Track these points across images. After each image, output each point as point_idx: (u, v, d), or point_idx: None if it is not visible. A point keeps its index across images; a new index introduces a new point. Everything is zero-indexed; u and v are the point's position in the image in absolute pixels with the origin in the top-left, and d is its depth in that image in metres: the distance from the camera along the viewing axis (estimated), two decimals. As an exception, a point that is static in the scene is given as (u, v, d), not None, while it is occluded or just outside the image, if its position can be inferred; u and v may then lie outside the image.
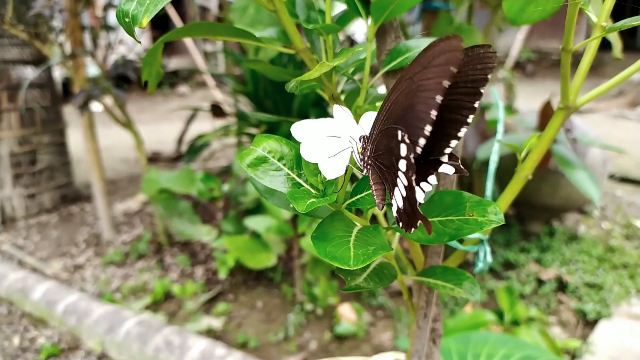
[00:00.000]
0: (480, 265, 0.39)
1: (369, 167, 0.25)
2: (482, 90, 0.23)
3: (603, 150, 1.53)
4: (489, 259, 0.38)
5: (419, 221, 0.23)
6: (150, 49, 0.35)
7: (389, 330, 1.18)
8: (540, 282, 1.35)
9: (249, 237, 1.28)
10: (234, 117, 1.84)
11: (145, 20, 0.24)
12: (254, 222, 1.22)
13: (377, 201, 0.25)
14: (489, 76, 0.23)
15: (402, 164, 0.22)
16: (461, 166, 0.24)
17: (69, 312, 1.21)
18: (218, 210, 1.42)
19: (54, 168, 1.98)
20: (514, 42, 3.81)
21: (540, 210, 1.54)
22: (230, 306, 1.29)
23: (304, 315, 1.23)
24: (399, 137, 0.22)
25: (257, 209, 1.33)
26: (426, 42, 0.38)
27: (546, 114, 1.34)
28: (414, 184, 0.22)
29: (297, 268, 1.28)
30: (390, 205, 0.37)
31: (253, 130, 1.77)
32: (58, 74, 2.78)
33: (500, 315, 1.05)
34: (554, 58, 6.10)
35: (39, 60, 1.88)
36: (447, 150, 0.25)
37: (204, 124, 2.45)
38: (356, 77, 0.40)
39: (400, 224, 0.24)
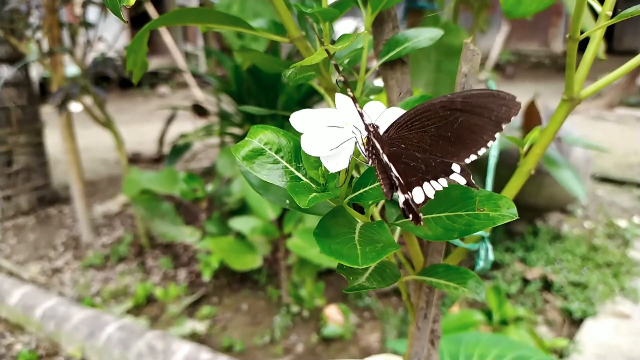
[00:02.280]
0: (481, 263, 0.37)
1: (374, 157, 0.24)
2: (503, 127, 0.25)
3: (585, 149, 1.54)
4: (491, 256, 0.37)
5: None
6: (136, 36, 0.33)
7: (377, 332, 1.16)
8: (525, 282, 1.35)
9: (234, 238, 1.26)
10: (217, 116, 1.81)
11: (133, -2, 0.22)
12: (239, 223, 1.20)
13: (384, 190, 0.23)
14: (511, 119, 0.25)
15: (385, 158, 0.24)
16: (472, 181, 0.23)
17: (47, 317, 1.17)
18: (201, 211, 1.39)
19: (31, 169, 1.93)
20: (493, 45, 3.85)
21: (524, 209, 1.54)
22: (215, 309, 1.26)
23: (290, 317, 1.21)
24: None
25: (242, 209, 1.31)
26: (424, 32, 0.36)
27: (531, 113, 1.34)
28: (398, 175, 0.23)
29: (283, 269, 1.26)
30: (388, 201, 0.36)
31: (236, 130, 1.75)
32: (35, 73, 2.71)
33: (488, 315, 1.04)
34: (533, 60, 6.18)
35: (15, 58, 1.83)
36: (467, 160, 0.26)
37: (185, 125, 2.42)
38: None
39: (410, 216, 0.23)
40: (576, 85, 0.33)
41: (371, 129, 0.24)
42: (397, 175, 0.23)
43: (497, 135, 0.26)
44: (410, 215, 0.23)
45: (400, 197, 0.23)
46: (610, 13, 0.32)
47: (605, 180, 2.21)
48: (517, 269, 1.40)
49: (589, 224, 1.72)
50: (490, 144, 0.26)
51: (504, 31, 3.85)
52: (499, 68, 5.60)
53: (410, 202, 0.23)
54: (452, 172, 0.23)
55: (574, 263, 1.43)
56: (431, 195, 0.22)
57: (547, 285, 1.34)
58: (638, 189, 2.08)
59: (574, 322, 1.20)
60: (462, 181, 0.23)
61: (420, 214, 0.23)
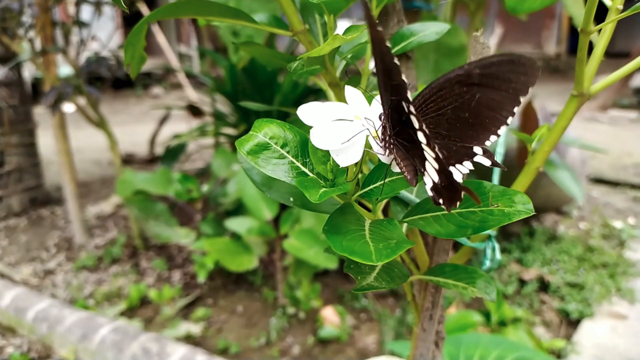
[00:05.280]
0: (487, 263, 0.37)
1: (391, 146, 0.23)
2: (521, 99, 0.24)
3: (581, 150, 1.54)
4: (498, 256, 0.36)
5: (462, 193, 0.21)
6: (134, 29, 0.32)
7: (374, 333, 1.16)
8: (522, 282, 1.35)
9: (229, 239, 1.25)
10: (211, 117, 1.80)
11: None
12: (235, 224, 1.18)
13: (408, 178, 0.22)
14: (529, 89, 0.24)
15: (421, 136, 0.21)
16: (497, 161, 0.22)
17: (39, 320, 1.16)
18: (196, 212, 1.38)
19: (23, 170, 1.90)
20: (488, 46, 3.86)
21: (520, 210, 1.53)
22: (210, 311, 1.25)
23: (286, 319, 1.20)
24: (406, 110, 0.21)
25: (238, 210, 1.30)
26: (430, 26, 0.36)
27: (528, 115, 1.34)
28: (439, 153, 0.20)
29: (279, 271, 1.24)
30: (394, 199, 0.35)
31: (231, 131, 1.74)
32: (28, 73, 2.69)
33: (486, 316, 1.03)
34: (526, 62, 6.20)
35: (7, 57, 1.81)
36: (487, 143, 0.24)
37: (180, 126, 2.40)
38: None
39: (441, 200, 0.22)
40: (586, 81, 0.32)
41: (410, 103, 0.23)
42: (437, 151, 0.21)
43: (515, 110, 0.24)
44: (441, 200, 0.22)
45: (428, 183, 0.22)
46: (621, 7, 0.32)
47: (599, 181, 2.21)
48: (514, 269, 1.39)
49: (585, 225, 1.72)
50: (510, 120, 0.24)
51: (498, 33, 3.86)
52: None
53: (441, 185, 0.21)
54: (475, 154, 0.22)
55: (570, 264, 1.42)
56: (459, 179, 0.21)
57: (543, 286, 1.34)
58: (632, 190, 2.09)
59: (571, 323, 1.20)
60: (486, 162, 0.22)
61: (458, 194, 0.21)
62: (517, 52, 0.24)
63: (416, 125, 0.21)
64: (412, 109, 0.21)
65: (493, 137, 0.24)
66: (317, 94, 1.54)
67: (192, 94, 2.57)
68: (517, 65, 0.24)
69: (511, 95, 0.24)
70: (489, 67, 0.24)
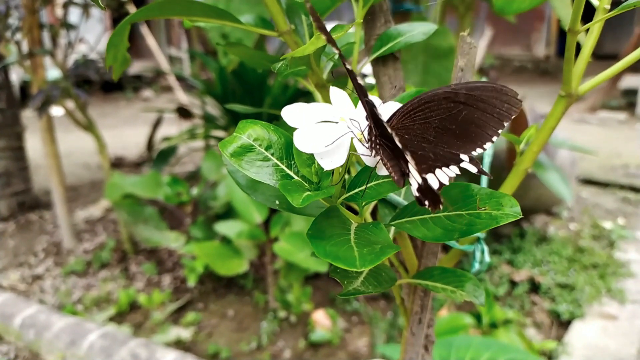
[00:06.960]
0: (477, 266, 0.36)
1: (378, 147, 0.23)
2: (505, 124, 0.25)
3: (571, 152, 1.55)
4: (487, 259, 0.36)
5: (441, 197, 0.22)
6: (116, 29, 0.31)
7: (365, 336, 1.15)
8: (513, 284, 1.35)
9: (219, 242, 1.24)
10: (201, 119, 1.79)
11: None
12: (225, 227, 1.17)
13: (395, 178, 0.22)
14: (512, 117, 0.25)
15: (407, 155, 0.22)
16: (482, 168, 0.22)
17: (26, 326, 1.14)
18: (186, 216, 1.37)
19: (11, 174, 1.88)
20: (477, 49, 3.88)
21: (511, 212, 1.54)
22: (200, 315, 1.23)
23: (277, 323, 1.19)
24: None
25: (228, 213, 1.29)
26: (418, 26, 0.35)
27: (517, 116, 1.34)
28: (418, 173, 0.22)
29: (269, 274, 1.24)
30: (382, 202, 0.35)
31: (220, 133, 1.73)
32: (16, 76, 2.66)
33: (477, 318, 1.03)
34: (516, 65, 6.25)
35: (-7, 60, 1.79)
36: (474, 153, 0.25)
37: (170, 129, 2.39)
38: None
39: (426, 202, 0.22)
40: (574, 81, 0.32)
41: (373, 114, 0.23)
42: (411, 157, 0.21)
43: (500, 131, 0.25)
44: (427, 202, 0.22)
45: (414, 185, 0.22)
46: (608, 7, 0.32)
47: (589, 182, 2.22)
48: (505, 271, 1.39)
49: (575, 226, 1.73)
50: (495, 139, 0.25)
51: (488, 36, 3.88)
52: (482, 72, 5.63)
53: (424, 188, 0.22)
54: (462, 160, 0.22)
55: (560, 265, 1.43)
56: (446, 181, 0.21)
57: (534, 287, 1.34)
58: (622, 191, 2.10)
59: (562, 323, 1.20)
60: (472, 169, 0.22)
61: (441, 197, 0.22)
62: (501, 84, 0.25)
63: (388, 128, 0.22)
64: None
65: (479, 150, 0.25)
66: (307, 97, 1.53)
67: (182, 97, 2.56)
68: (500, 94, 0.25)
69: (495, 118, 0.25)
70: (474, 90, 0.25)
